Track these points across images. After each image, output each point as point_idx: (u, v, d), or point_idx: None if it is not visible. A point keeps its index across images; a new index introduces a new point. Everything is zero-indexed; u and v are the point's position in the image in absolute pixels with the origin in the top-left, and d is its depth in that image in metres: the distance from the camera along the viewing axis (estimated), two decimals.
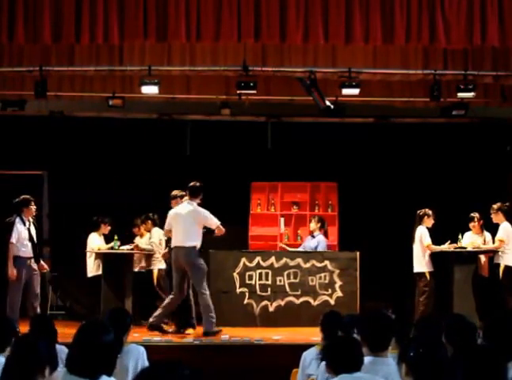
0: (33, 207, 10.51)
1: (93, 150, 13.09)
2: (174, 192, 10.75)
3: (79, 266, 11.96)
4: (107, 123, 12.88)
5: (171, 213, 10.34)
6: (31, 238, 10.40)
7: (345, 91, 10.72)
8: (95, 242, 11.84)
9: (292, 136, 13.27)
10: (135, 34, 8.87)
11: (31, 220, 10.54)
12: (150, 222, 12.04)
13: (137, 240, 12.07)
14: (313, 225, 12.50)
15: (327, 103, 11.06)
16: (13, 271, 10.23)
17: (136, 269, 11.85)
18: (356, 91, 10.70)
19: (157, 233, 11.92)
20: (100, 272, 11.52)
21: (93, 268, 11.79)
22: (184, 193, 10.59)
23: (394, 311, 11.17)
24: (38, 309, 10.38)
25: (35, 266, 10.44)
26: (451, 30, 8.94)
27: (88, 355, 3.89)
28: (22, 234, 10.35)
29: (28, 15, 8.73)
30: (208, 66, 10.31)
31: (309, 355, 6.04)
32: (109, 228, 11.99)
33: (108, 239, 11.91)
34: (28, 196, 10.56)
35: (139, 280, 11.75)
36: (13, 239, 10.29)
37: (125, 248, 11.57)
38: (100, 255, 11.63)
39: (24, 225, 10.41)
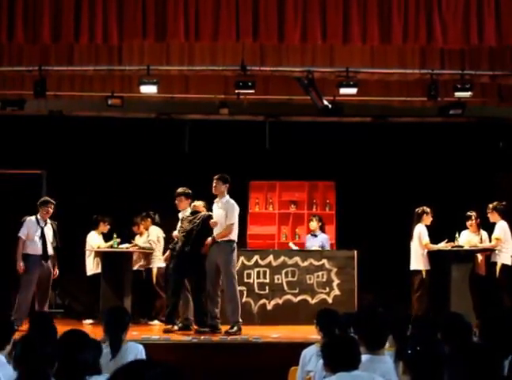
0: (49, 209, 10.59)
1: (93, 149, 13.12)
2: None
3: (78, 264, 12.00)
4: (106, 122, 12.92)
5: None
6: (43, 237, 10.47)
7: (343, 91, 10.75)
8: (94, 240, 11.88)
9: (290, 135, 13.30)
10: (134, 34, 8.89)
11: (48, 221, 10.64)
12: (149, 219, 12.06)
13: (137, 238, 12.10)
14: (314, 224, 12.61)
15: (325, 102, 11.10)
16: (20, 266, 10.32)
17: (135, 267, 11.88)
18: (353, 91, 10.73)
19: (155, 231, 11.95)
20: (99, 270, 11.56)
21: (92, 267, 11.83)
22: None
23: (386, 306, 11.28)
24: (45, 309, 10.44)
25: (49, 265, 10.51)
26: (448, 30, 8.96)
27: (65, 369, 3.95)
28: (33, 232, 10.43)
29: (28, 15, 8.75)
30: (206, 66, 10.34)
31: (309, 353, 6.09)
32: (109, 227, 12.02)
33: (107, 238, 11.94)
34: (47, 198, 10.77)
35: (139, 279, 11.79)
36: (22, 234, 10.44)
37: (124, 247, 11.60)
38: (99, 253, 11.66)
39: (39, 224, 10.50)
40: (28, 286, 10.33)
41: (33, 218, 10.57)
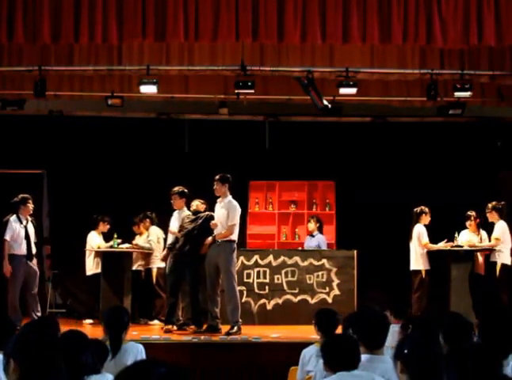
0: (30, 206, 10.56)
1: (92, 149, 13.13)
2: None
3: (79, 264, 12.01)
4: (106, 122, 12.94)
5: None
6: (27, 237, 10.45)
7: (343, 90, 10.76)
8: (95, 240, 11.88)
9: (290, 135, 13.32)
10: (133, 34, 8.88)
11: (29, 219, 10.60)
12: (148, 220, 12.07)
13: (137, 238, 12.11)
14: (312, 225, 12.66)
15: (325, 102, 11.10)
16: (7, 268, 10.32)
17: (135, 267, 11.88)
18: (353, 90, 10.75)
19: (155, 232, 11.95)
20: (99, 270, 11.56)
21: (92, 266, 11.83)
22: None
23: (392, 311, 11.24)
24: (38, 310, 10.42)
25: (34, 265, 10.50)
26: (448, 30, 8.95)
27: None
28: (17, 232, 10.40)
29: (28, 15, 8.73)
30: (206, 66, 10.35)
31: (308, 353, 6.09)
32: (108, 227, 12.02)
33: (107, 238, 11.94)
34: (25, 195, 10.63)
35: (138, 278, 11.79)
36: (7, 236, 10.38)
37: (124, 247, 11.61)
38: (99, 253, 11.67)
39: (21, 223, 10.46)
40: (15, 286, 10.30)
41: (15, 217, 10.50)
